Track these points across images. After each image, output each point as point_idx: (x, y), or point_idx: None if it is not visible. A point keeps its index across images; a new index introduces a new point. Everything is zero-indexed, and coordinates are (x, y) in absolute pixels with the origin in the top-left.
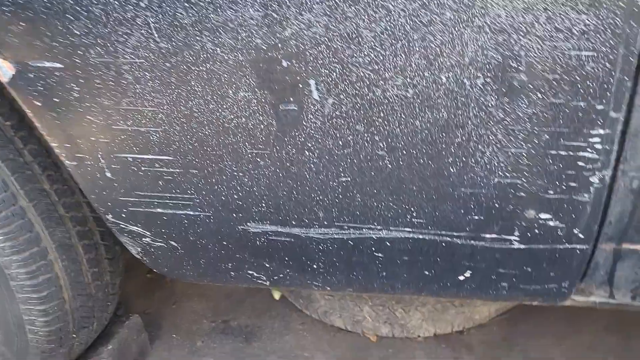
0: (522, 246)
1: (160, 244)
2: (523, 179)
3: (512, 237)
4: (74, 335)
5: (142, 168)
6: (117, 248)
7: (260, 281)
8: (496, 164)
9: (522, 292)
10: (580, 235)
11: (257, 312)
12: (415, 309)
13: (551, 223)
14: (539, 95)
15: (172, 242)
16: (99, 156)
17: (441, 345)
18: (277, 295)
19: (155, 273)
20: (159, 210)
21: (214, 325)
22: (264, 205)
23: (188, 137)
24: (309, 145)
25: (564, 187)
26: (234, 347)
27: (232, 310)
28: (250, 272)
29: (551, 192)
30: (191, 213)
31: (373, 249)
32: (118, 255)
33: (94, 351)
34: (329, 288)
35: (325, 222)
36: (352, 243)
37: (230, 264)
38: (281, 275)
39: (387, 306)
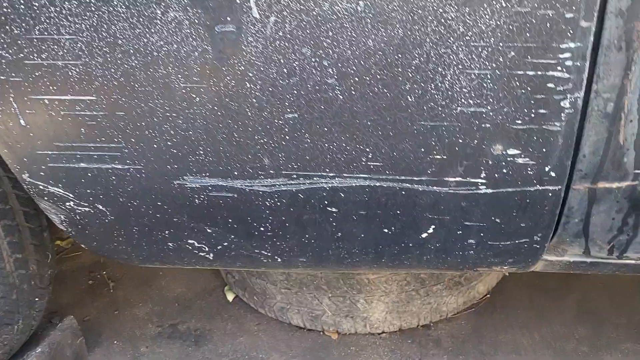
0: (490, 190)
1: (86, 208)
2: (488, 106)
3: (478, 180)
4: None
5: (61, 112)
6: (45, 235)
7: (202, 254)
8: (458, 90)
9: (491, 252)
10: (552, 174)
11: (208, 315)
12: (379, 300)
13: (520, 160)
14: (503, 3)
15: (99, 206)
16: (11, 99)
17: (407, 341)
18: (230, 296)
19: (96, 280)
20: (82, 165)
21: (160, 330)
22: (201, 152)
23: (112, 70)
24: (250, 75)
25: (533, 115)
26: (182, 351)
27: (179, 314)
28: (190, 241)
29: (519, 121)
30: (119, 167)
31: (326, 202)
32: (46, 242)
33: (20, 355)
34: (279, 259)
35: (272, 171)
36: (302, 196)
37: (167, 232)
38: (225, 244)
39: (347, 297)
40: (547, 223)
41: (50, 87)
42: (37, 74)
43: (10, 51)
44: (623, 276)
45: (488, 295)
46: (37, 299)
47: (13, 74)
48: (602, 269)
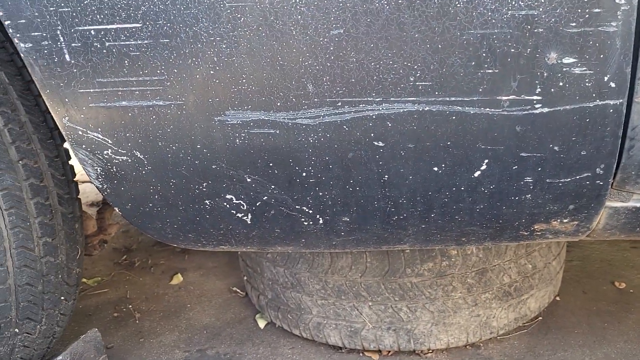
0: (546, 109)
1: (123, 157)
2: (540, 8)
3: (533, 97)
4: (16, 330)
5: (107, 44)
6: (76, 225)
7: (240, 215)
8: None
9: (550, 195)
10: (612, 84)
11: (238, 341)
12: (423, 307)
13: (577, 70)
14: None
15: (137, 153)
16: (58, 32)
17: None
18: (262, 323)
19: (121, 313)
20: (123, 103)
21: (187, 355)
22: (244, 81)
23: None
24: None
25: (587, 15)
26: None
27: (208, 340)
28: (228, 196)
29: (573, 24)
30: (160, 103)
31: (372, 134)
32: (77, 234)
33: None
34: (320, 220)
35: (316, 99)
36: (347, 128)
37: (205, 184)
38: (265, 198)
39: (389, 305)
40: (609, 149)
41: (98, 16)
42: (85, 2)
43: None
44: None
45: (540, 318)
46: (62, 298)
47: (62, 4)
48: None
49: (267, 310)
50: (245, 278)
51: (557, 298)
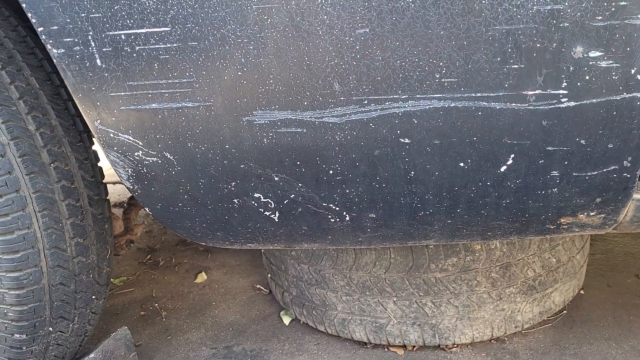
0: (572, 103)
1: (153, 158)
2: (566, 2)
3: (559, 92)
4: (50, 329)
5: (137, 48)
6: (106, 226)
7: (268, 213)
8: None
9: (577, 189)
10: (639, 77)
11: (264, 338)
12: (448, 303)
13: (603, 63)
14: None
15: (167, 154)
16: (90, 37)
17: (480, 354)
18: (287, 320)
19: (148, 312)
20: (153, 105)
21: (215, 352)
22: (271, 81)
23: None
24: None
25: (613, 8)
26: None
27: (234, 337)
28: (256, 195)
29: (599, 17)
30: (189, 105)
31: (398, 131)
32: (107, 234)
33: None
34: (347, 217)
35: (342, 98)
36: (373, 126)
37: (233, 184)
38: (292, 196)
39: (414, 300)
40: (636, 141)
41: (128, 21)
42: (115, 7)
43: None
44: None
45: (565, 312)
46: (94, 297)
47: (93, 10)
48: None
49: (292, 307)
50: (269, 276)
51: (582, 292)
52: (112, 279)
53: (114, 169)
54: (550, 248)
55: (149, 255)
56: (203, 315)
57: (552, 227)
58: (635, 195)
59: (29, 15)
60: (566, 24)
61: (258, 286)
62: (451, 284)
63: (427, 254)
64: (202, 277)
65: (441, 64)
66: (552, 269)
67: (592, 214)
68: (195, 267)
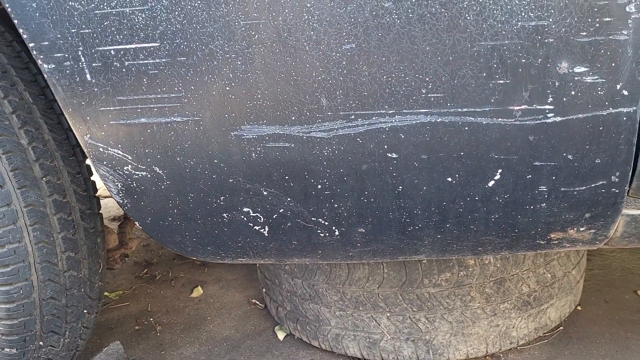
0: (559, 118)
1: (143, 172)
2: (550, 18)
3: (545, 107)
4: (41, 343)
5: (126, 63)
6: (98, 240)
7: (257, 228)
8: (518, 2)
9: (565, 204)
10: (624, 92)
11: (257, 353)
12: (441, 318)
13: (588, 79)
14: None
15: (156, 168)
16: (79, 52)
17: None
18: (281, 335)
19: (143, 326)
20: (142, 120)
21: None
22: (259, 96)
23: (175, 13)
24: (308, 5)
25: (597, 24)
26: None
27: (228, 352)
28: (245, 209)
29: (583, 33)
30: (178, 120)
31: (385, 146)
32: (99, 249)
33: None
34: (336, 232)
35: (329, 113)
36: (360, 141)
37: (222, 198)
38: (281, 211)
39: (407, 316)
40: (624, 156)
41: (117, 37)
42: (105, 23)
43: (82, 2)
44: None
45: (561, 328)
46: (85, 312)
47: (83, 26)
48: None
49: (286, 321)
50: (264, 290)
51: (579, 307)
52: (107, 293)
53: (104, 183)
54: (545, 263)
55: (146, 269)
56: (198, 330)
57: (542, 242)
58: (625, 211)
59: (20, 31)
60: (551, 40)
61: (254, 301)
62: (445, 299)
63: (420, 269)
64: (198, 291)
65: (427, 79)
66: (547, 285)
67: (582, 229)
68: (192, 281)
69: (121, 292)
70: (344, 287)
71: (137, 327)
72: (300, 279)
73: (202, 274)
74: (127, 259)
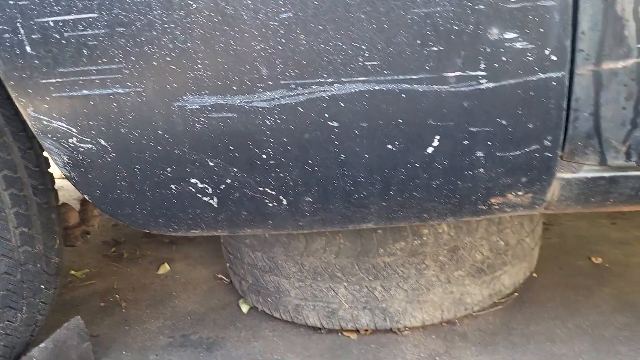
0: (491, 84)
1: (88, 145)
2: None
3: (478, 73)
4: None
5: (65, 34)
6: (53, 215)
7: (206, 199)
8: None
9: (503, 169)
10: (553, 57)
11: (221, 326)
12: (397, 286)
13: (518, 44)
14: None
15: (101, 141)
16: (18, 24)
17: (430, 336)
18: (245, 308)
19: (108, 303)
20: (84, 92)
21: (171, 340)
22: (199, 66)
23: None
24: None
25: None
26: (193, 357)
27: (192, 326)
28: (193, 180)
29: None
30: (120, 91)
31: (326, 114)
32: (54, 224)
33: (23, 351)
34: (284, 202)
35: (270, 82)
36: (302, 110)
37: (169, 169)
38: (228, 181)
39: (364, 285)
40: (555, 121)
41: (56, 8)
42: None
43: None
44: None
45: (516, 294)
46: (42, 287)
47: None
48: (624, 187)
49: (249, 294)
50: (228, 265)
51: (534, 274)
52: (74, 272)
53: (50, 157)
54: (498, 231)
55: (114, 248)
56: (163, 306)
57: (484, 207)
58: (559, 174)
59: None
60: (481, 6)
61: (219, 276)
62: (400, 267)
63: (375, 239)
64: (164, 268)
65: (363, 47)
66: (500, 252)
67: (519, 193)
68: (159, 258)
69: (87, 270)
70: (302, 258)
71: (102, 304)
72: (260, 251)
73: (170, 251)
74: (88, 236)
